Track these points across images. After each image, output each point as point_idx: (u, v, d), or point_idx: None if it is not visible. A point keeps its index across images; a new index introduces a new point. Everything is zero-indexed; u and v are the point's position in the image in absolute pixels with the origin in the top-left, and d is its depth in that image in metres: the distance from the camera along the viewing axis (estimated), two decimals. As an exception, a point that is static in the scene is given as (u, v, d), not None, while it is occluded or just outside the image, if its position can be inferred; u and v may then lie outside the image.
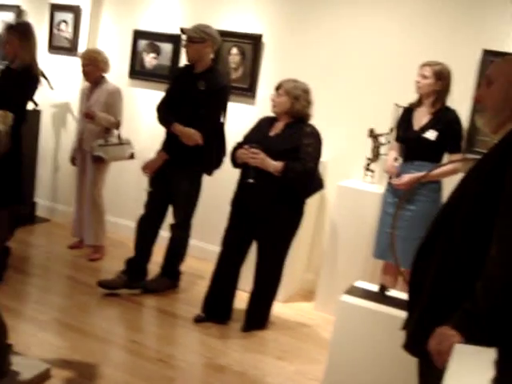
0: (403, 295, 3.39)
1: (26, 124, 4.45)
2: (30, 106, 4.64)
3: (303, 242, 4.83)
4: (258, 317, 4.29)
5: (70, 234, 5.58)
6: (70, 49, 6.07)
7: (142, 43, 5.81)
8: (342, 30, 4.92)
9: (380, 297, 3.28)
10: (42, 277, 4.85)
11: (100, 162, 5.03)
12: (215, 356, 3.84)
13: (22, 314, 4.07)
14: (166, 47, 5.68)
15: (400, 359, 2.43)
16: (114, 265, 4.98)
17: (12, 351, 3.21)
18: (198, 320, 4.27)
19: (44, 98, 5.62)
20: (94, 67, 5.05)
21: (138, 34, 5.83)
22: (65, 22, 6.09)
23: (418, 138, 4.09)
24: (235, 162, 4.10)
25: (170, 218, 4.63)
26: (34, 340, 3.73)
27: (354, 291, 3.35)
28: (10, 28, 4.47)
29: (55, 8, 6.13)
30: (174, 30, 5.25)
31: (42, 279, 4.80)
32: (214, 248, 5.03)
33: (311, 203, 4.24)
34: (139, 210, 4.63)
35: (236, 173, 4.17)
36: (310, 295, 5.00)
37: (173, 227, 4.62)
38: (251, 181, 3.89)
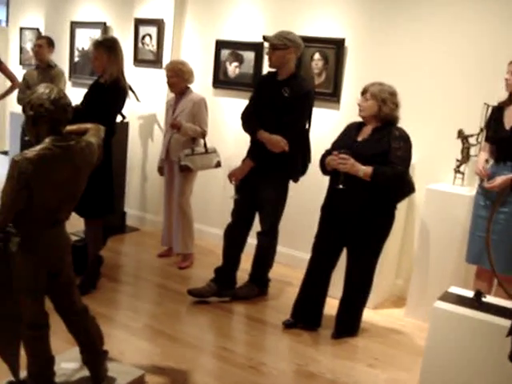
0: (501, 301, 3.27)
1: (115, 136, 4.58)
2: (118, 118, 4.76)
3: (393, 247, 4.73)
4: (348, 323, 4.24)
5: (159, 242, 5.67)
6: (155, 61, 6.21)
7: (225, 53, 5.87)
8: (426, 30, 4.79)
9: (476, 303, 3.17)
10: (133, 285, 4.96)
11: (187, 172, 5.10)
12: (306, 363, 3.81)
13: (115, 321, 4.17)
14: (249, 55, 5.71)
15: (500, 369, 2.33)
16: (202, 272, 5.04)
17: (107, 357, 3.30)
18: (287, 324, 4.25)
19: (131, 111, 5.77)
20: (179, 78, 5.13)
21: (221, 44, 5.88)
22: (149, 35, 6.23)
23: (510, 138, 3.93)
24: (324, 169, 4.06)
25: (257, 226, 4.64)
26: (128, 346, 3.82)
27: (448, 297, 3.24)
28: (98, 44, 4.61)
29: (139, 22, 6.29)
30: (256, 38, 5.27)
31: (133, 287, 4.91)
32: (302, 254, 5.03)
33: (400, 207, 4.14)
34: (226, 217, 4.66)
35: (322, 179, 4.14)
36: (400, 301, 4.89)
37: (260, 234, 4.62)
38: (341, 187, 3.85)
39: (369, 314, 4.49)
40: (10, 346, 3.01)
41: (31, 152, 2.64)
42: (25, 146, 5.83)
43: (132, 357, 3.67)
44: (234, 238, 4.61)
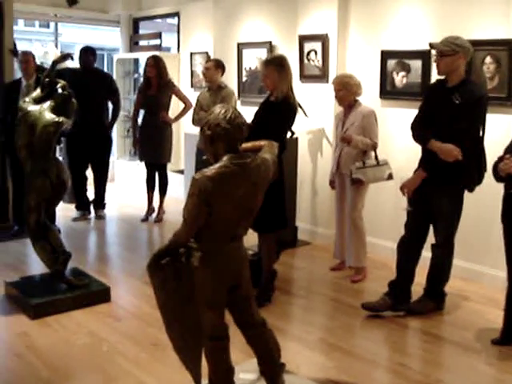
0: None
1: (285, 152, 4.67)
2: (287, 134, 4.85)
3: None
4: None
5: (330, 256, 5.68)
6: (321, 76, 6.25)
7: (391, 63, 5.78)
8: None
9: None
10: (306, 298, 4.99)
11: (359, 184, 5.08)
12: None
13: (290, 334, 4.21)
14: (416, 64, 5.58)
15: None
16: (376, 286, 4.96)
17: (284, 370, 3.35)
18: (495, 342, 4.06)
19: (299, 126, 5.85)
20: (347, 91, 5.13)
21: (386, 54, 5.81)
22: (314, 51, 6.30)
23: None
24: (498, 176, 3.87)
25: (431, 238, 4.50)
26: (303, 359, 3.85)
27: None
28: (268, 62, 4.72)
29: (304, 39, 6.38)
30: (423, 46, 5.13)
31: (306, 300, 4.94)
32: (479, 268, 4.81)
33: None
34: (399, 230, 4.56)
35: (498, 186, 3.96)
36: None
37: (435, 247, 4.48)
38: None
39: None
40: (192, 355, 3.15)
41: (210, 170, 2.76)
42: (200, 164, 6.14)
43: (307, 370, 3.69)
44: (407, 251, 4.50)
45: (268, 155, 3.03)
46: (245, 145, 3.02)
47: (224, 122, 2.81)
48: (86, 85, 6.68)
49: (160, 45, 9.34)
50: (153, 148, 7.04)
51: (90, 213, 7.43)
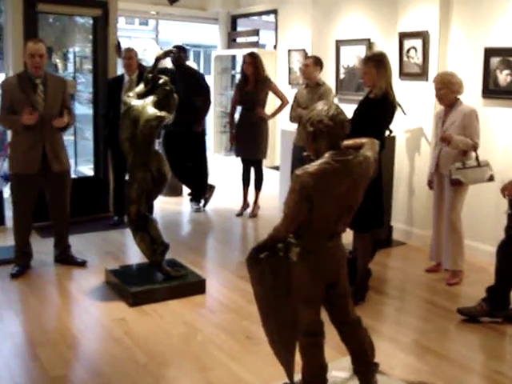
0: None
1: (384, 150, 4.61)
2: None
3: None
4: None
5: (426, 257, 5.58)
6: (421, 74, 6.13)
7: (495, 60, 5.60)
8: None
9: None
10: (400, 299, 4.94)
11: (458, 186, 4.96)
12: None
13: (383, 334, 4.17)
14: (522, 62, 5.39)
15: None
16: (472, 290, 4.84)
17: (378, 370, 3.32)
18: None
19: (397, 124, 5.76)
20: (448, 90, 5.01)
21: (490, 52, 5.62)
22: (414, 48, 6.18)
23: None
24: None
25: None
26: (396, 361, 3.80)
27: None
28: (367, 59, 4.69)
29: (404, 36, 6.27)
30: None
31: (401, 301, 4.88)
32: None
33: None
34: (499, 234, 4.42)
35: None
36: None
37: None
38: None
39: None
40: (286, 350, 3.17)
41: (312, 167, 2.77)
42: (297, 161, 6.16)
43: (400, 372, 3.64)
44: (508, 255, 4.36)
45: (369, 153, 3.01)
46: (346, 142, 3.02)
47: (327, 118, 2.81)
48: (178, 82, 6.80)
49: (257, 42, 9.43)
50: (249, 144, 7.12)
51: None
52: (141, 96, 4.81)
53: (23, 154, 5.01)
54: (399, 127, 6.06)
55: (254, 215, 7.34)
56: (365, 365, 3.23)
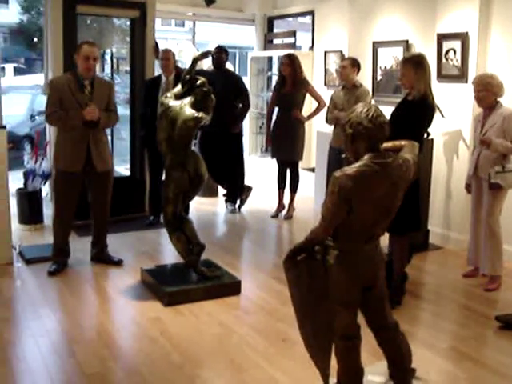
0: None
1: (422, 153, 4.56)
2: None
3: None
4: None
5: (463, 261, 5.50)
6: (460, 76, 6.05)
7: (537, 63, 5.52)
8: None
9: None
10: (436, 303, 4.87)
11: (497, 189, 4.88)
12: None
13: (419, 339, 4.12)
14: None
15: None
16: (511, 296, 4.75)
17: (414, 376, 3.28)
18: None
19: (435, 127, 5.69)
20: (488, 92, 4.93)
21: (532, 54, 5.55)
22: (453, 49, 6.10)
23: None
24: None
25: None
26: (433, 366, 3.75)
27: None
28: (405, 60, 4.64)
29: (442, 37, 6.19)
30: None
31: (436, 305, 4.82)
32: None
33: None
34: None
35: None
36: None
37: None
38: None
39: None
40: (322, 353, 3.15)
41: (351, 169, 2.75)
42: (333, 163, 6.13)
43: (437, 378, 3.60)
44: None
45: (409, 155, 2.98)
46: (385, 144, 2.99)
47: (366, 120, 2.79)
48: (216, 84, 6.81)
49: (294, 43, 9.40)
50: (285, 145, 7.11)
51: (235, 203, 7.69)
52: (178, 97, 4.82)
53: (69, 152, 5.08)
54: (437, 130, 5.99)
55: (289, 217, 7.32)
56: (401, 370, 3.20)
